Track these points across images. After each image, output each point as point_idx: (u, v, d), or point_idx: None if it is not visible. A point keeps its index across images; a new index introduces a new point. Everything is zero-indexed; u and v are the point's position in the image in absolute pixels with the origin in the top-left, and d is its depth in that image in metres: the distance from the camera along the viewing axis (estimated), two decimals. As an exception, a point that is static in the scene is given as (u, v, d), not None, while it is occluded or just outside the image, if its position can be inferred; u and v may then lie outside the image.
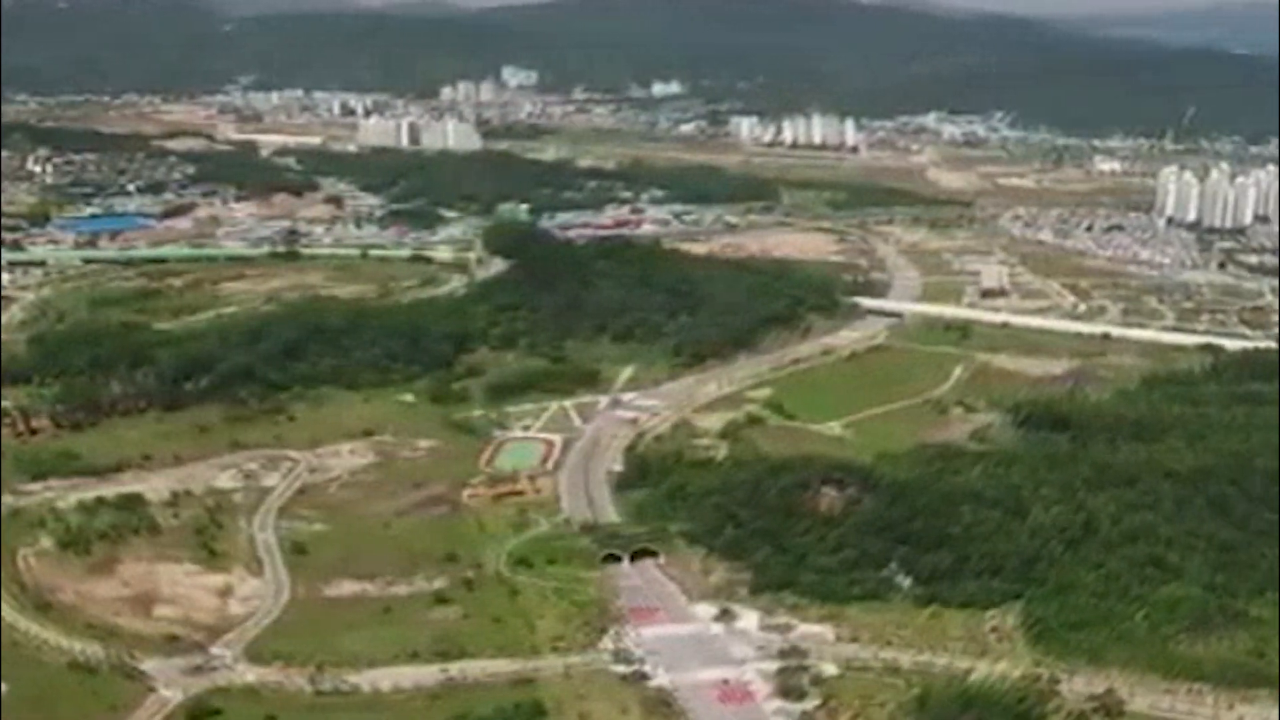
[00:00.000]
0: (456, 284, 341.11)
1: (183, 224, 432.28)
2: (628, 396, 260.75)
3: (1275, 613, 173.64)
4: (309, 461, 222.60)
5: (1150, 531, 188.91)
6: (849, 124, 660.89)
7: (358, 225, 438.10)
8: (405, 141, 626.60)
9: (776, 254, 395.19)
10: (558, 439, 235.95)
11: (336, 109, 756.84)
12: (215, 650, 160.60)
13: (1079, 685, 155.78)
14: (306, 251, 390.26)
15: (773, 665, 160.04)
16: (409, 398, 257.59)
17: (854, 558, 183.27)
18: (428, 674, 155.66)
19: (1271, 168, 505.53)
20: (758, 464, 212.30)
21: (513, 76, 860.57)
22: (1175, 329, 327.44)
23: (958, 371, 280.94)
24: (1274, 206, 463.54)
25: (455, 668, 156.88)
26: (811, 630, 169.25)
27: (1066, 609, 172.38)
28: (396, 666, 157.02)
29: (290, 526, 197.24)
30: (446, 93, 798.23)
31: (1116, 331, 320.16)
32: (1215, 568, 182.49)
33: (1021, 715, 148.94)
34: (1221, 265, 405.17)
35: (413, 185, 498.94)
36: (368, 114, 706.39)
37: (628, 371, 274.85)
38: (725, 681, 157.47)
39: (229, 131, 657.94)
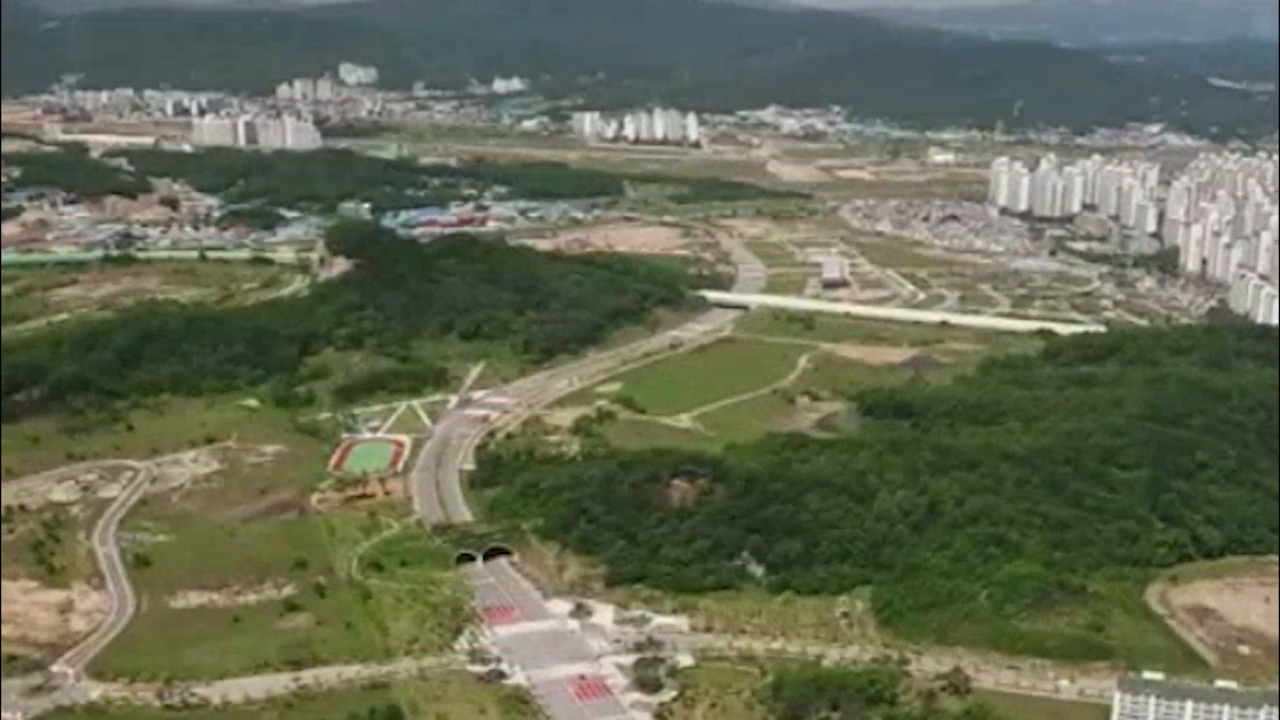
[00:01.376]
0: (299, 285, 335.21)
1: (9, 229, 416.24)
2: (478, 394, 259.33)
3: (1111, 587, 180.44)
4: (150, 471, 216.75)
5: (992, 512, 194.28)
6: (690, 119, 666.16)
7: (195, 227, 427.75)
8: (242, 141, 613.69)
9: (623, 249, 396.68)
10: (407, 439, 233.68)
11: (169, 108, 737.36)
12: (56, 669, 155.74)
13: (928, 665, 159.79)
14: (142, 255, 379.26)
15: (629, 658, 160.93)
16: (253, 402, 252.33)
17: (707, 548, 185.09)
18: (280, 683, 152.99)
19: (1097, 157, 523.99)
20: (610, 458, 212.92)
21: (351, 74, 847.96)
22: (1010, 315, 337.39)
23: (803, 361, 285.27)
24: (1101, 195, 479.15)
25: (308, 675, 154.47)
26: (667, 622, 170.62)
27: (914, 591, 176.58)
28: (247, 677, 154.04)
29: (132, 538, 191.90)
30: (283, 90, 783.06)
31: (954, 319, 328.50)
32: (1053, 545, 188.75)
33: (873, 697, 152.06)
34: (1052, 252, 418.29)
35: (251, 185, 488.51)
36: (202, 113, 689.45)
37: (477, 369, 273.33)
38: (582, 677, 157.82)
39: (56, 132, 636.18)
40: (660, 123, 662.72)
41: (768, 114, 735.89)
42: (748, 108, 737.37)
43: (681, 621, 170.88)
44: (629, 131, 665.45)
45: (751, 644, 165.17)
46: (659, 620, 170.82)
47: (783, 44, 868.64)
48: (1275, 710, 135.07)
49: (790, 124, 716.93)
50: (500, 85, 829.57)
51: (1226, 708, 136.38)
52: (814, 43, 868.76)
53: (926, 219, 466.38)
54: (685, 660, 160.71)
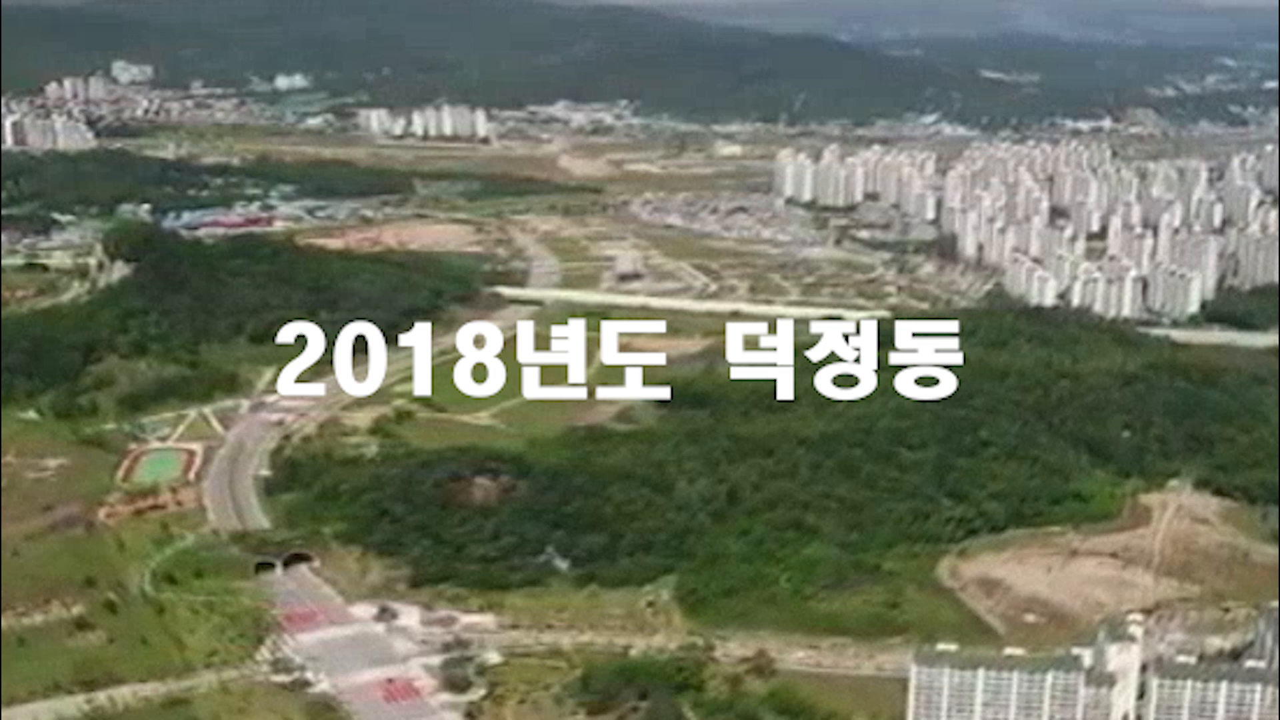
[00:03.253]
0: (78, 291, 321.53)
1: None
2: (271, 398, 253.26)
3: (904, 565, 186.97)
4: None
5: (788, 497, 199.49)
6: (479, 115, 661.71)
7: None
8: (10, 142, 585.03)
9: (415, 246, 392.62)
10: (199, 447, 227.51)
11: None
12: None
13: (733, 649, 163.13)
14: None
15: (437, 659, 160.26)
16: (32, 414, 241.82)
17: (512, 545, 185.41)
18: (72, 705, 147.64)
19: (877, 148, 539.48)
20: (410, 458, 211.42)
21: (125, 72, 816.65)
22: (799, 303, 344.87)
23: (600, 355, 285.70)
24: (882, 184, 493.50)
25: (102, 696, 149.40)
26: (474, 620, 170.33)
27: (717, 578, 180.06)
28: (36, 702, 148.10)
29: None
30: (53, 89, 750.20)
31: (746, 308, 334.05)
32: (848, 526, 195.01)
33: (681, 684, 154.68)
34: (838, 241, 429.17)
35: (22, 188, 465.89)
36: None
37: (269, 373, 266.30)
38: (389, 680, 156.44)
39: None
40: (449, 119, 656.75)
41: (557, 109, 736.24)
42: (537, 103, 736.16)
43: (488, 619, 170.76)
44: (417, 128, 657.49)
45: (559, 638, 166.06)
46: (466, 619, 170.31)
47: (570, 39, 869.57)
48: (1061, 675, 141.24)
49: (579, 119, 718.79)
50: (283, 82, 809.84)
51: (1016, 674, 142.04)
52: (601, 38, 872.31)
53: (715, 211, 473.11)
54: (493, 658, 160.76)
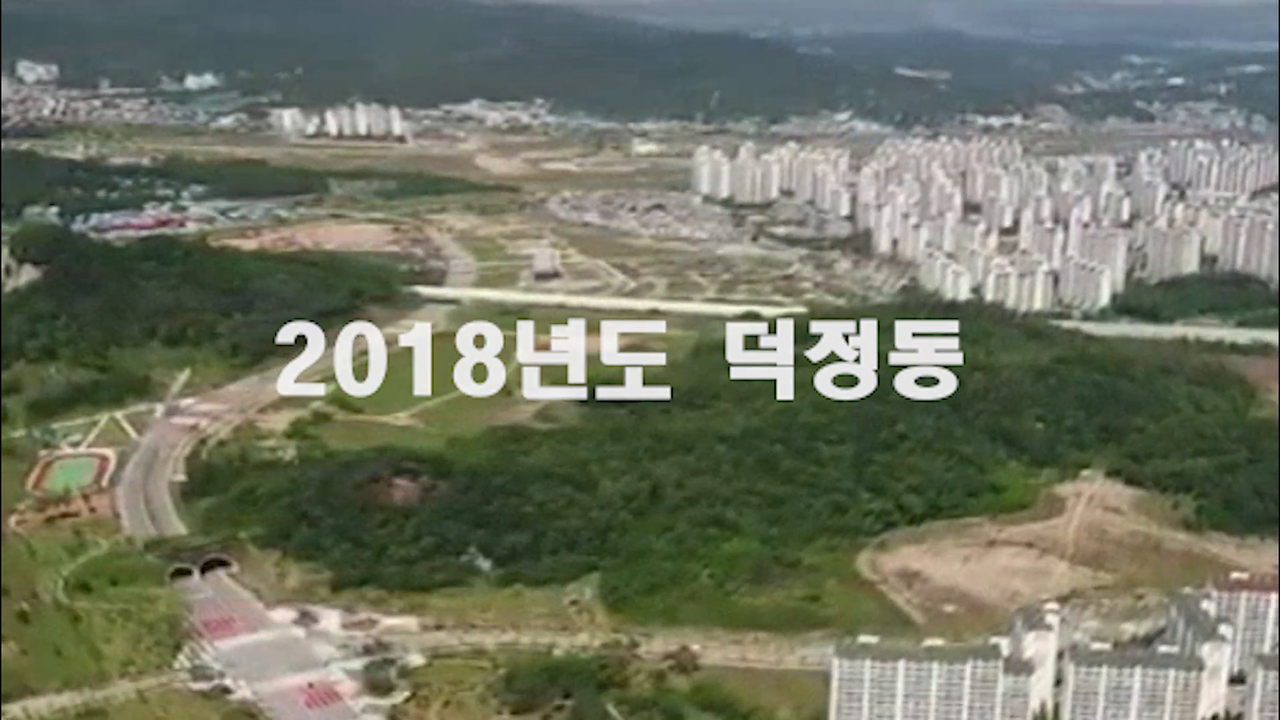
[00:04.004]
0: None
1: None
2: (185, 402, 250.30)
3: (825, 558, 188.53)
4: None
5: (710, 493, 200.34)
6: (394, 113, 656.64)
7: None
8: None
9: (331, 246, 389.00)
10: (111, 453, 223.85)
11: None
12: None
13: (656, 646, 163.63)
14: None
15: (358, 662, 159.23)
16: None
17: (433, 546, 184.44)
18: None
19: (792, 145, 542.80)
20: (328, 461, 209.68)
21: (30, 71, 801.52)
22: (717, 300, 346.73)
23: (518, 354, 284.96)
24: (797, 181, 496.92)
25: (15, 708, 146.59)
26: (395, 623, 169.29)
27: (639, 575, 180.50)
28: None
29: None
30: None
31: (664, 305, 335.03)
32: (769, 521, 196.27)
33: (605, 682, 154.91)
34: (754, 238, 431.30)
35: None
36: None
37: (183, 376, 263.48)
38: (310, 685, 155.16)
39: None
40: (364, 117, 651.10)
41: (472, 107, 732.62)
42: (452, 101, 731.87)
43: (410, 621, 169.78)
44: (331, 127, 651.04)
45: (482, 639, 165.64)
46: (387, 622, 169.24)
47: (486, 37, 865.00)
48: (980, 664, 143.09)
49: (495, 117, 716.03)
50: (193, 81, 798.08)
51: (935, 665, 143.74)
52: (517, 35, 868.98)
53: (633, 209, 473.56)
54: (416, 660, 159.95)
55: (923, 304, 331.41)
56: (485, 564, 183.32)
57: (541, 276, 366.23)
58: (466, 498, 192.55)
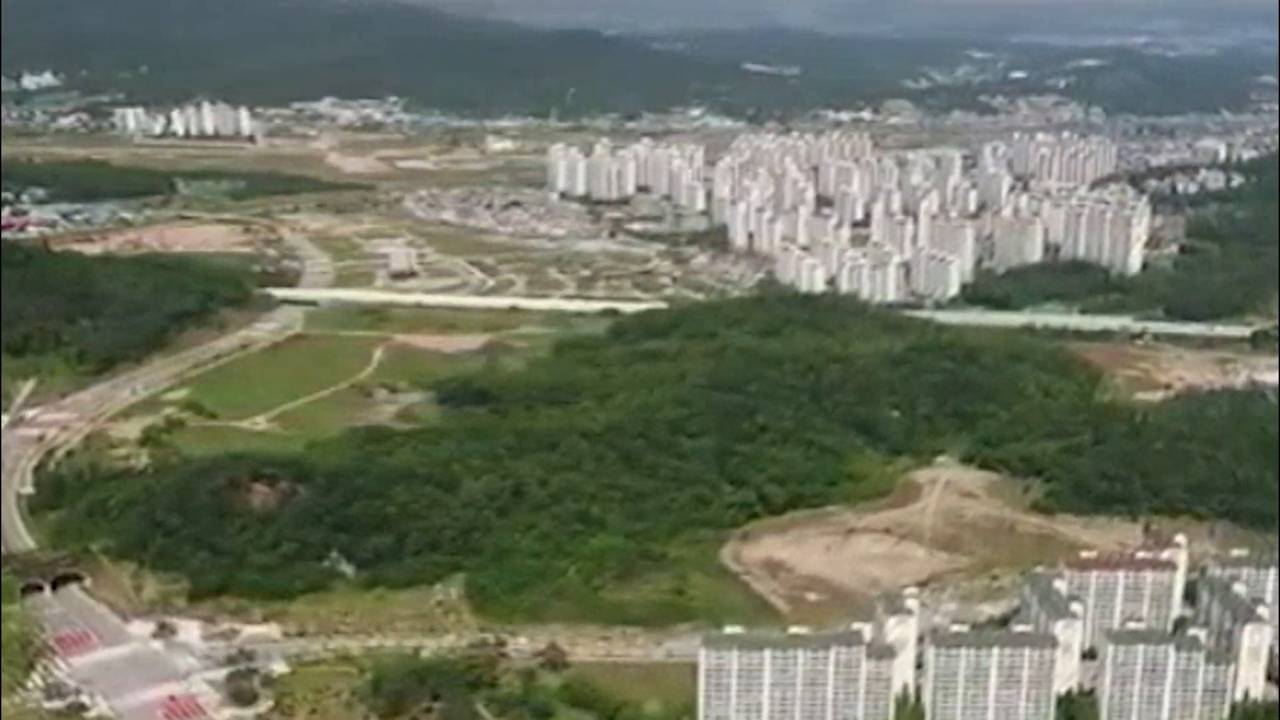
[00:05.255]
0: None
1: None
2: (31, 413, 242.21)
3: (689, 551, 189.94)
4: None
5: (574, 490, 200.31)
6: (243, 112, 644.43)
7: None
8: None
9: (180, 248, 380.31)
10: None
11: None
12: None
13: (525, 644, 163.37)
14: None
15: (220, 673, 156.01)
16: None
17: (294, 551, 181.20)
18: None
19: (647, 141, 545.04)
20: (183, 468, 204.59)
21: None
22: (577, 296, 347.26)
23: (378, 354, 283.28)
24: (653, 177, 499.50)
25: None
26: (257, 631, 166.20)
27: (505, 573, 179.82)
28: None
29: None
30: None
31: (524, 303, 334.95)
32: (634, 516, 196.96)
33: (474, 682, 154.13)
34: (612, 234, 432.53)
35: None
36: None
37: (28, 386, 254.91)
38: (172, 698, 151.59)
39: None
40: (211, 117, 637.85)
41: (324, 106, 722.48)
42: (302, 100, 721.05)
43: (273, 629, 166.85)
44: (177, 127, 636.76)
45: (347, 644, 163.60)
46: (249, 630, 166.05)
47: (336, 34, 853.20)
48: (844, 650, 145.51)
49: (348, 116, 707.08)
50: (30, 81, 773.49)
51: (800, 653, 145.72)
52: (368, 33, 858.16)
53: (490, 206, 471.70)
54: (280, 668, 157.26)
55: (779, 296, 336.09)
56: (348, 568, 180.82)
57: (398, 276, 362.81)
58: (327, 501, 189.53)
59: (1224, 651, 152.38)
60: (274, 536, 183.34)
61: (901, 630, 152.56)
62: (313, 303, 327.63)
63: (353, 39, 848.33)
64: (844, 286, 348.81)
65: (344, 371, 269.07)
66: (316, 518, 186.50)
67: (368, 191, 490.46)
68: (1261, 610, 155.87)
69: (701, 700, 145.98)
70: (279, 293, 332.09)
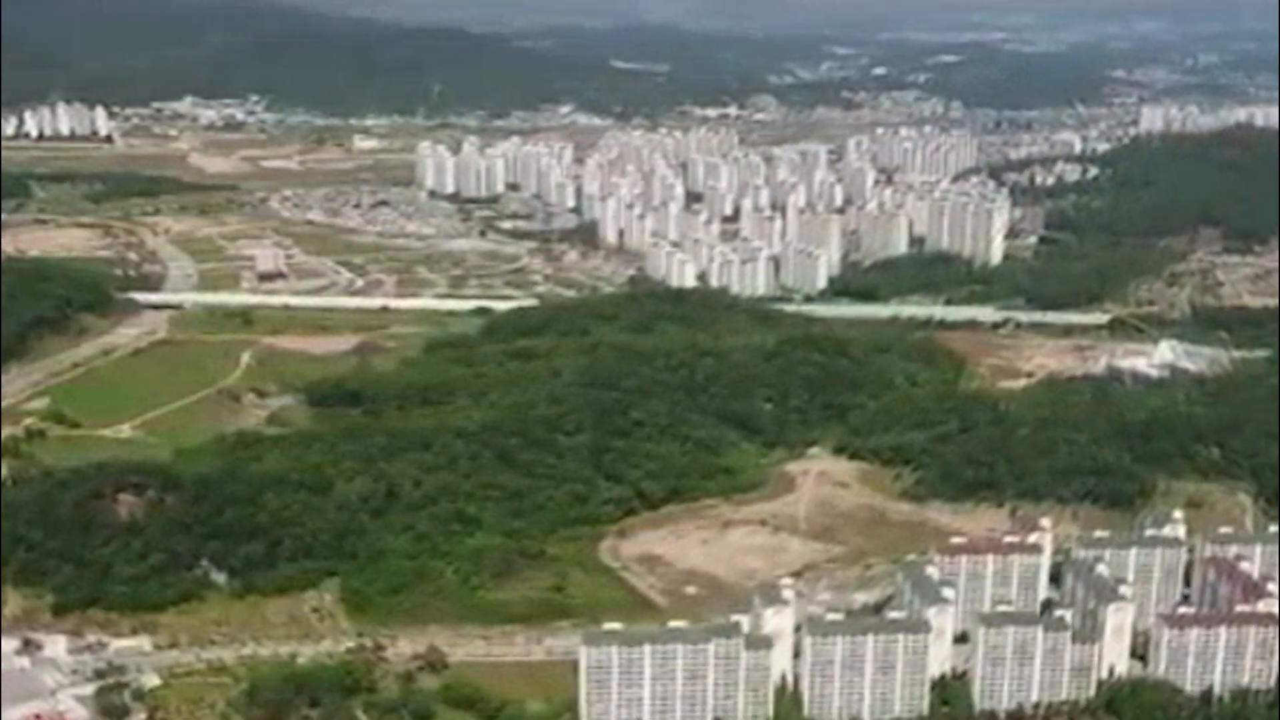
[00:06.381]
0: None
1: None
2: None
3: (568, 548, 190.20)
4: None
5: (450, 490, 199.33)
6: (99, 112, 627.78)
7: None
8: None
9: (35, 253, 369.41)
10: None
11: None
12: None
13: (404, 647, 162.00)
14: None
15: (89, 688, 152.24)
16: None
17: (163, 561, 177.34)
18: None
19: (516, 139, 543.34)
20: (44, 479, 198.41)
21: None
22: (448, 295, 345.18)
23: (246, 358, 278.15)
24: (522, 175, 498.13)
25: None
26: (127, 644, 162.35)
27: (382, 576, 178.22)
28: None
29: None
30: None
31: (394, 303, 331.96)
32: (511, 514, 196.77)
33: (352, 687, 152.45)
34: (482, 233, 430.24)
35: None
36: None
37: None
38: (38, 716, 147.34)
39: None
40: (66, 117, 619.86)
41: (184, 105, 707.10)
42: (162, 99, 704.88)
43: (143, 642, 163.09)
44: (30, 128, 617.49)
45: (221, 653, 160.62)
46: (118, 644, 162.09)
47: (195, 32, 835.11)
48: (723, 642, 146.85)
49: (209, 115, 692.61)
50: None
51: (680, 646, 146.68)
52: (228, 30, 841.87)
53: (358, 206, 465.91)
54: (152, 681, 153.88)
55: (651, 292, 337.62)
56: (220, 576, 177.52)
57: (265, 277, 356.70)
58: (196, 509, 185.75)
59: (1089, 630, 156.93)
60: (142, 547, 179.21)
61: (779, 620, 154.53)
62: (177, 306, 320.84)
63: (213, 36, 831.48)
64: (714, 281, 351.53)
65: (211, 376, 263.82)
66: (186, 526, 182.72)
67: (231, 192, 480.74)
68: (1124, 589, 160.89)
69: (583, 697, 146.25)
70: (141, 297, 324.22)
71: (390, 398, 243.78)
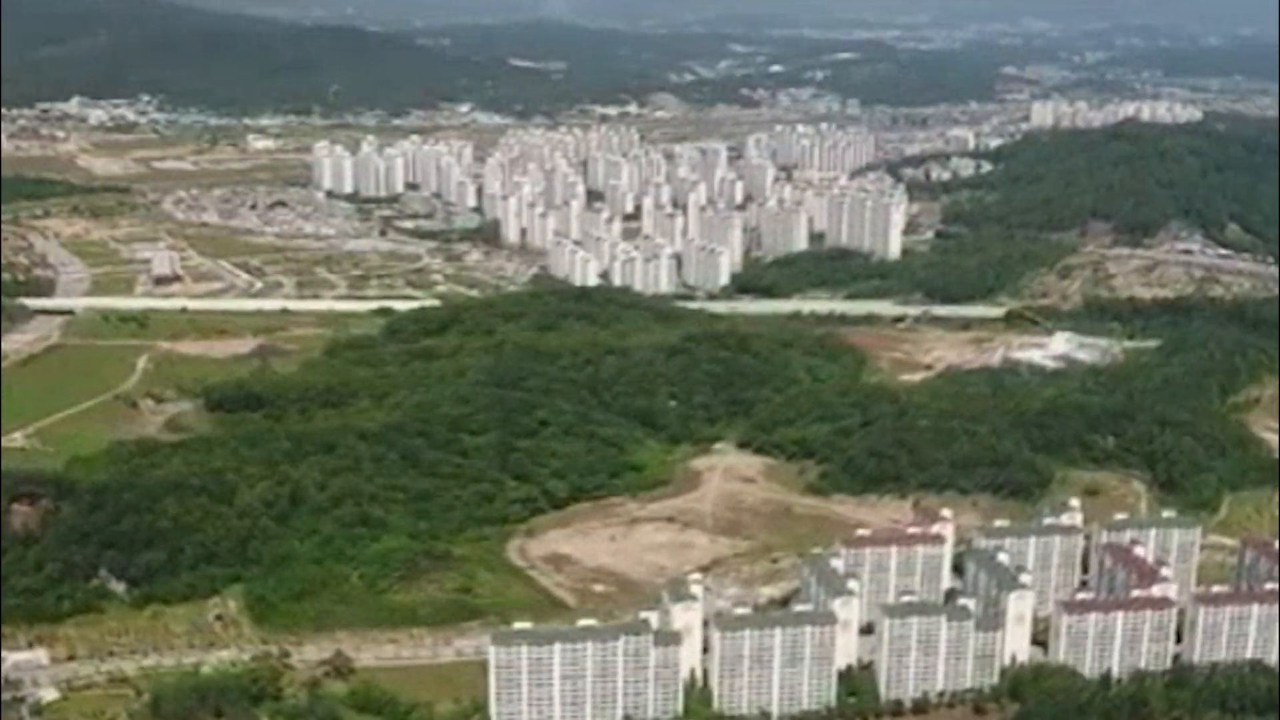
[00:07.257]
0: None
1: None
2: None
3: (475, 548, 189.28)
4: None
5: (354, 492, 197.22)
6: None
7: None
8: None
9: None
10: None
11: None
12: None
13: (310, 653, 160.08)
14: None
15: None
16: None
17: (59, 572, 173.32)
18: None
19: (415, 138, 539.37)
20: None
21: None
22: (349, 296, 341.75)
23: (142, 363, 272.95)
24: (422, 174, 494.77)
25: None
26: (23, 658, 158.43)
27: (286, 581, 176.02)
28: None
29: None
30: None
31: (294, 305, 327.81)
32: (417, 516, 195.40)
33: (257, 695, 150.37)
34: (382, 232, 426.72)
35: None
36: None
37: None
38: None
39: None
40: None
41: (71, 106, 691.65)
42: (48, 99, 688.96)
43: (40, 655, 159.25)
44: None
45: (122, 665, 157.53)
46: (15, 657, 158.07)
47: (82, 30, 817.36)
48: (632, 639, 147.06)
49: (98, 115, 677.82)
50: None
51: (589, 645, 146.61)
52: (117, 28, 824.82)
53: (254, 207, 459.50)
54: (50, 695, 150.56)
55: (553, 291, 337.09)
56: (119, 586, 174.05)
57: (161, 281, 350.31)
58: (93, 518, 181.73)
59: (992, 619, 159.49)
60: (37, 557, 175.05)
61: (687, 616, 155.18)
62: (69, 312, 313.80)
63: (100, 35, 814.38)
64: (617, 279, 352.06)
65: (106, 382, 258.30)
66: (83, 536, 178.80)
67: (123, 194, 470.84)
68: (1024, 578, 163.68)
69: (493, 697, 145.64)
70: (32, 303, 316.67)
71: (292, 401, 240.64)
